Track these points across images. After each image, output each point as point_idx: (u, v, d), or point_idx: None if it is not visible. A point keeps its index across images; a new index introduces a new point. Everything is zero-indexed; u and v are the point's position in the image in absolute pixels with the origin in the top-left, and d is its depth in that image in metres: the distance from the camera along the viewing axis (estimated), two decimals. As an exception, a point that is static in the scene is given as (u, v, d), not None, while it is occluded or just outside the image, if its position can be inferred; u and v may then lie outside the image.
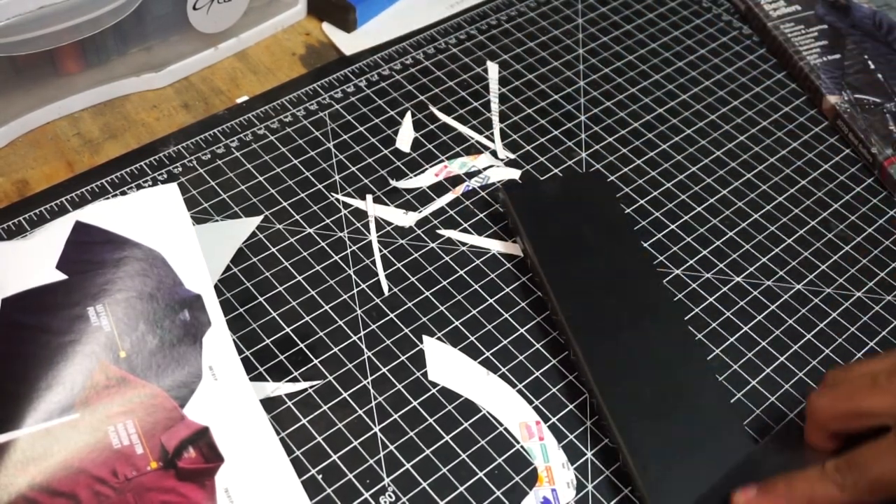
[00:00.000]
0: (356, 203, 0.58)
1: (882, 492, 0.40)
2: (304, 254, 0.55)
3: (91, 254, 0.49)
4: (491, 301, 0.53)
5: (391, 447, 0.47)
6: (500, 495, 0.46)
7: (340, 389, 0.49)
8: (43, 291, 0.48)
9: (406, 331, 0.52)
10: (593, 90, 0.66)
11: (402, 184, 0.59)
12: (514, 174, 0.60)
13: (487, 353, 0.51)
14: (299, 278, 0.54)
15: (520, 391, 0.50)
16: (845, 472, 0.41)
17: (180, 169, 0.58)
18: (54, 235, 0.50)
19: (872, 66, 0.67)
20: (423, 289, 0.54)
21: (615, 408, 0.47)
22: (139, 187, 0.57)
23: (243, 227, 0.56)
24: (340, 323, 0.52)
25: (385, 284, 0.54)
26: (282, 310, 0.52)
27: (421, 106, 0.64)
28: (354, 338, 0.51)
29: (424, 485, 0.46)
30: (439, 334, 0.52)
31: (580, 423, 0.49)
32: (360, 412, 0.48)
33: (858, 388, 0.42)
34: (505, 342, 0.52)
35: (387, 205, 0.58)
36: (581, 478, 0.47)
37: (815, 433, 0.44)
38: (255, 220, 0.56)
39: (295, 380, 0.49)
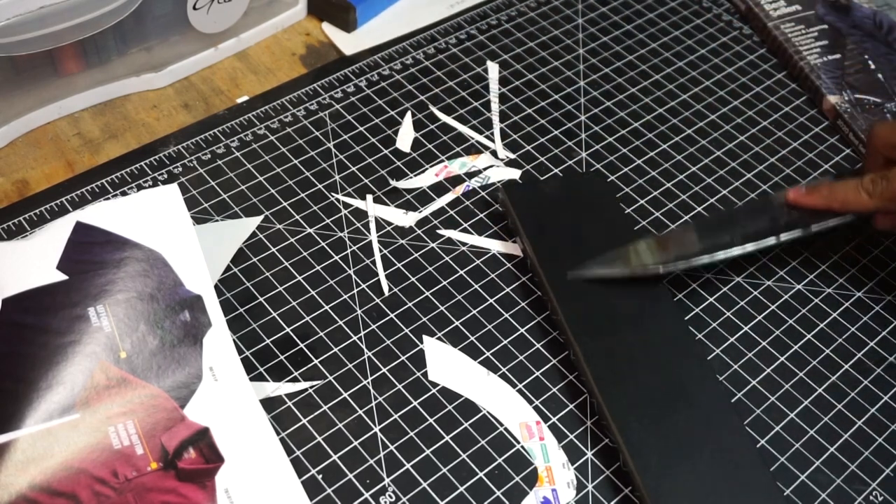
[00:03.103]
0: (356, 203, 0.58)
1: None
2: (305, 254, 0.55)
3: (92, 254, 0.49)
4: (491, 301, 0.53)
5: (391, 447, 0.47)
6: (500, 495, 0.46)
7: (340, 389, 0.49)
8: (43, 292, 0.48)
9: (406, 331, 0.52)
10: (593, 90, 0.66)
11: (402, 184, 0.59)
12: (514, 174, 0.60)
13: (487, 353, 0.51)
14: (299, 278, 0.54)
15: (520, 391, 0.50)
16: (877, 183, 0.50)
17: (180, 169, 0.58)
18: (55, 235, 0.50)
19: (873, 66, 0.67)
20: (423, 289, 0.54)
21: (615, 408, 0.47)
22: (139, 187, 0.57)
23: (243, 227, 0.56)
24: (340, 323, 0.52)
25: (385, 284, 0.54)
26: (282, 310, 0.52)
27: (421, 106, 0.64)
28: (354, 338, 0.51)
29: (424, 485, 0.46)
30: (439, 334, 0.52)
31: (580, 423, 0.49)
32: (361, 412, 0.48)
33: None
34: (505, 342, 0.52)
35: (387, 205, 0.58)
36: (581, 478, 0.47)
37: (873, 159, 0.52)
38: (256, 220, 0.56)
39: (295, 380, 0.49)
